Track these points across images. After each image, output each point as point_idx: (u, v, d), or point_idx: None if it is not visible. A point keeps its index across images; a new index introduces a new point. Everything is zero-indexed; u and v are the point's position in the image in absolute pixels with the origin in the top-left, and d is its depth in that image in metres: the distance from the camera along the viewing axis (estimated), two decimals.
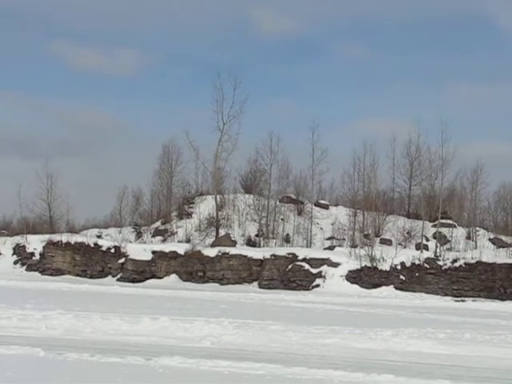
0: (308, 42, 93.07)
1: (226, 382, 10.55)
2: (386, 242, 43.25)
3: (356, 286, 35.03)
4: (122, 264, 38.21)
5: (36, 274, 38.66)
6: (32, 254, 39.85)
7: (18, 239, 41.25)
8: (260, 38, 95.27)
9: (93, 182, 66.69)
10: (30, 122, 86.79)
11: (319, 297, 30.55)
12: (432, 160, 45.24)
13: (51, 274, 38.26)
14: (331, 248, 40.97)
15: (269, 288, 35.53)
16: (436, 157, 44.27)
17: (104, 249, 39.17)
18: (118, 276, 37.97)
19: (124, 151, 78.93)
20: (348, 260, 36.28)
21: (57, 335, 14.85)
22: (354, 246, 40.80)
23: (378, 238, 44.06)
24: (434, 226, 44.30)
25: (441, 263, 36.12)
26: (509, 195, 49.53)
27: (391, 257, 36.11)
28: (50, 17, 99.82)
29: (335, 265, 35.96)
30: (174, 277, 37.60)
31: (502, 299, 33.33)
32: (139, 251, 38.60)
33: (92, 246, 39.40)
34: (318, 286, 35.35)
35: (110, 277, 38.19)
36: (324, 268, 35.90)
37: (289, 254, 37.33)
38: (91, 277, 38.13)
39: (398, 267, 35.81)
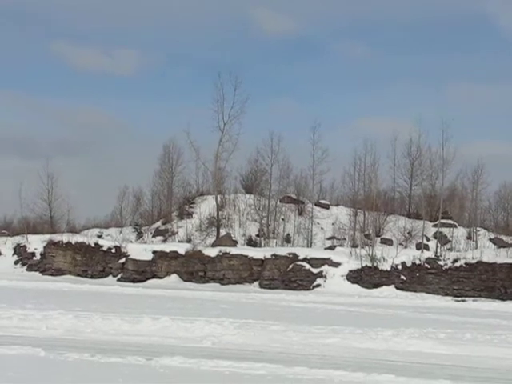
0: (308, 41, 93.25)
1: (226, 381, 10.54)
2: (387, 242, 43.28)
3: (357, 286, 35.04)
4: (123, 264, 38.21)
5: (37, 273, 38.62)
6: (33, 254, 39.83)
7: (18, 239, 41.22)
8: (260, 37, 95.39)
9: (93, 181, 66.79)
10: (30, 122, 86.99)
11: (320, 297, 30.53)
12: (433, 160, 45.35)
13: (52, 274, 38.22)
14: (332, 248, 40.99)
15: (269, 288, 35.54)
16: (437, 157, 44.35)
17: (105, 249, 39.16)
18: (119, 276, 37.97)
19: (124, 151, 79.05)
20: (349, 260, 36.29)
21: (57, 335, 14.84)
22: (354, 245, 40.82)
23: (379, 238, 44.07)
24: (435, 225, 44.28)
25: (441, 263, 36.11)
26: (509, 195, 49.57)
27: (392, 257, 36.12)
28: (49, 17, 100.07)
29: (336, 265, 35.96)
30: (174, 277, 37.60)
31: (503, 299, 33.32)
32: (140, 251, 38.60)
33: (93, 246, 39.39)
34: (318, 285, 35.35)
35: (110, 277, 38.18)
36: (325, 268, 35.90)
37: (289, 253, 37.34)
38: (92, 277, 38.13)
39: (399, 267, 35.81)
